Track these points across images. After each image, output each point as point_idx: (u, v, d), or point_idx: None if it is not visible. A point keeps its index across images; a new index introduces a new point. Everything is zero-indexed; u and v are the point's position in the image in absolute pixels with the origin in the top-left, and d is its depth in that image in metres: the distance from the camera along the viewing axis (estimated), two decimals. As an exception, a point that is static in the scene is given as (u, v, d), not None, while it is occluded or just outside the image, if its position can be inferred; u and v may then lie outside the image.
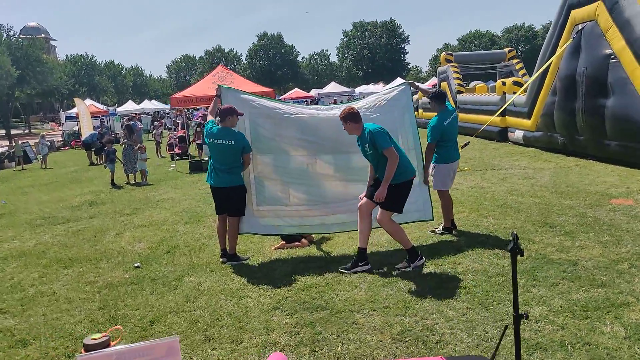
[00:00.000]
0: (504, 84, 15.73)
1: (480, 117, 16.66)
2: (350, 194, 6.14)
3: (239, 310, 4.51)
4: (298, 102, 28.32)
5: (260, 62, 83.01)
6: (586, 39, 10.74)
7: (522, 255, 2.47)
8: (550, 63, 11.80)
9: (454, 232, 6.40)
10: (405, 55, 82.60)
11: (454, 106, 5.26)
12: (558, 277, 4.67)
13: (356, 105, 6.51)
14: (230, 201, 5.88)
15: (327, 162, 6.29)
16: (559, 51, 11.69)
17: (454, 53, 22.52)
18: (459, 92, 19.86)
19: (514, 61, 21.11)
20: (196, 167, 15.28)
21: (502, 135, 15.79)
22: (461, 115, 17.97)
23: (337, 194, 6.26)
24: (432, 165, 6.41)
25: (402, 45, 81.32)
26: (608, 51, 10.08)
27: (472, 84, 21.69)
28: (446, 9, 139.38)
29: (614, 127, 10.02)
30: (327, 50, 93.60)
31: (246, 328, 4.13)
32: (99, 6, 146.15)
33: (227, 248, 5.98)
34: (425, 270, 5.17)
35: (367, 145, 5.17)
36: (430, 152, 6.34)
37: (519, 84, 15.24)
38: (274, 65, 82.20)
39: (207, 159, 15.31)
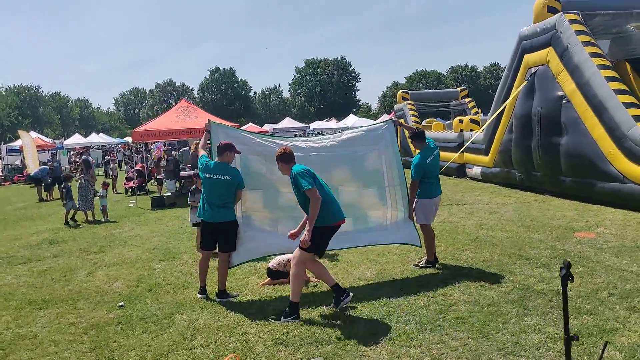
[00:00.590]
0: (461, 121, 16.49)
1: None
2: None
3: (242, 346, 4.46)
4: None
5: (213, 96, 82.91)
6: (539, 81, 11.54)
7: (572, 281, 2.60)
8: (505, 105, 12.53)
9: (436, 266, 6.59)
10: (356, 93, 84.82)
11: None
12: (546, 306, 4.92)
13: (336, 139, 6.70)
14: (223, 236, 5.85)
15: None
16: (515, 92, 12.46)
17: (409, 91, 23.45)
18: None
19: (467, 100, 22.22)
20: (159, 203, 14.92)
21: (460, 171, 16.44)
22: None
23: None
24: (415, 200, 6.64)
25: (353, 83, 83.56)
26: (560, 93, 10.86)
27: (423, 122, 22.53)
28: (395, 49, 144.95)
29: (568, 164, 10.71)
30: (279, 86, 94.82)
31: (254, 365, 4.10)
32: (45, 34, 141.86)
33: (218, 284, 5.91)
34: (419, 302, 5.29)
35: (293, 187, 5.23)
36: (414, 188, 6.58)
37: (475, 122, 16.03)
38: (226, 99, 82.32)
39: (168, 194, 15.08)
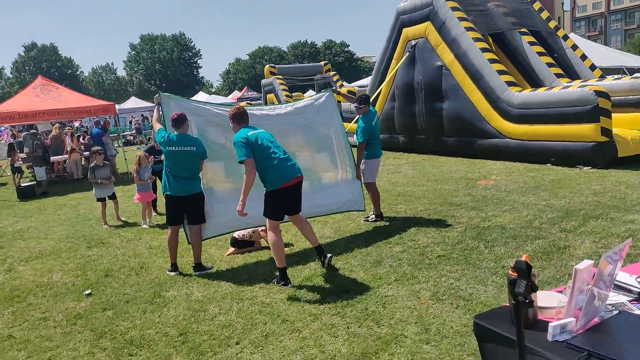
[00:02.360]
0: (338, 93, 17.32)
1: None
2: None
3: (264, 308, 4.53)
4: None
5: (32, 77, 73.37)
6: (420, 52, 12.78)
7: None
8: (395, 72, 13.59)
9: (384, 219, 7.20)
10: (199, 70, 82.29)
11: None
12: (502, 238, 5.81)
13: (289, 107, 6.89)
14: (192, 209, 5.69)
15: None
16: (398, 64, 13.55)
17: (277, 66, 23.75)
18: (288, 102, 21.08)
19: (331, 73, 23.28)
20: (27, 193, 13.21)
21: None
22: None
23: None
24: (362, 161, 7.12)
25: (195, 60, 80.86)
26: (440, 63, 12.19)
27: (293, 94, 23.12)
28: (235, 25, 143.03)
29: (450, 126, 12.16)
30: (113, 63, 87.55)
31: (297, 318, 4.23)
32: None
33: (194, 257, 5.76)
34: (395, 248, 5.82)
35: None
36: (361, 149, 7.05)
37: (352, 93, 17.02)
38: (51, 80, 73.54)
39: (28, 183, 13.44)
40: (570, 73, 11.61)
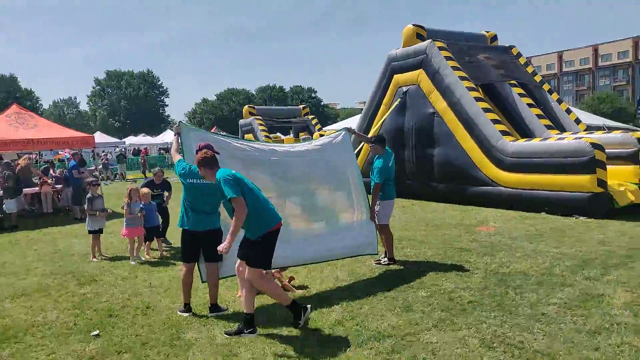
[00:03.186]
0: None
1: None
2: (312, 233, 6.29)
3: (307, 351, 4.21)
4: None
5: (-11, 107, 70.95)
6: (411, 99, 13.00)
7: None
8: (384, 118, 13.73)
9: (396, 262, 7.02)
10: (165, 108, 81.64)
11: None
12: (527, 285, 5.71)
13: (308, 145, 6.78)
14: (210, 245, 5.33)
15: (295, 204, 6.32)
16: (391, 108, 13.68)
17: (256, 107, 23.78)
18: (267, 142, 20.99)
19: (310, 117, 23.46)
20: (-5, 226, 12.36)
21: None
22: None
23: (300, 233, 6.27)
24: (377, 202, 6.98)
25: (162, 98, 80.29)
26: (432, 110, 12.40)
27: (272, 136, 23.10)
28: (202, 65, 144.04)
29: (440, 172, 12.27)
30: (76, 97, 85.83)
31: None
32: None
33: (210, 298, 5.39)
34: (421, 293, 5.61)
35: (220, 193, 4.79)
36: (377, 190, 6.92)
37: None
38: (9, 111, 71.22)
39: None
40: (557, 125, 12.01)
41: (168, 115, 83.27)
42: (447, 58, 12.17)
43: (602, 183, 9.31)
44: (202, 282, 5.53)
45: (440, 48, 12.35)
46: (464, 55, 12.75)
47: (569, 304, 5.00)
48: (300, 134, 22.09)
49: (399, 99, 13.27)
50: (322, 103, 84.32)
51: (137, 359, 4.29)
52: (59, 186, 14.73)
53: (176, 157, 5.48)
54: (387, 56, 13.91)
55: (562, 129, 11.99)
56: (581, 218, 9.40)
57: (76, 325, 5.22)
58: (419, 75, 12.77)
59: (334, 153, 6.73)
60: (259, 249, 4.76)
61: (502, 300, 5.25)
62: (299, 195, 6.37)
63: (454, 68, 12.00)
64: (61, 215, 14.11)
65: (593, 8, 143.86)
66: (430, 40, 12.61)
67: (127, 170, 31.43)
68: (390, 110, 13.49)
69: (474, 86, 11.80)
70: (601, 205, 9.31)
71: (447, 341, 4.30)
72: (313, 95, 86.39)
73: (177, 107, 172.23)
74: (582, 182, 9.36)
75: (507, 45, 14.20)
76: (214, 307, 5.34)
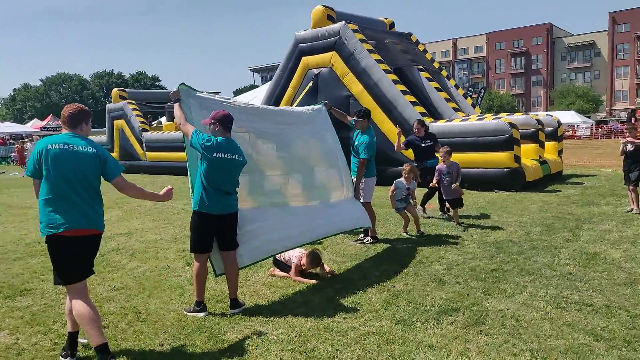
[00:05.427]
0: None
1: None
2: (311, 210, 5.80)
3: (382, 336, 3.82)
4: None
5: None
6: (323, 82, 12.85)
7: None
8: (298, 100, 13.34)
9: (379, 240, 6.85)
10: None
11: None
12: (527, 250, 6.00)
13: (296, 115, 6.23)
14: (229, 231, 4.60)
15: (297, 181, 5.75)
16: (292, 92, 13.37)
17: (127, 90, 21.45)
18: (144, 130, 19.16)
19: (187, 102, 21.89)
20: None
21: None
22: (159, 154, 17.65)
23: (300, 212, 5.72)
24: (362, 179, 6.70)
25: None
26: (347, 93, 12.42)
27: (154, 123, 21.22)
28: (22, 48, 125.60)
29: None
30: None
31: (439, 342, 3.63)
32: None
33: (230, 292, 4.61)
34: (437, 266, 5.51)
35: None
36: (363, 167, 6.64)
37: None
38: None
39: None
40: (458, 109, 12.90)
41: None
42: (362, 40, 12.27)
43: (517, 159, 10.24)
44: (217, 275, 4.72)
45: (354, 31, 12.40)
46: (373, 39, 12.97)
47: (582, 263, 5.34)
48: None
49: (311, 82, 13.04)
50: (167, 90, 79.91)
51: (197, 370, 3.47)
52: None
53: (189, 128, 4.52)
54: (294, 36, 13.54)
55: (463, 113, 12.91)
56: (500, 192, 10.24)
57: (56, 345, 4.05)
58: (332, 57, 12.67)
59: (323, 127, 6.30)
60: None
61: (520, 265, 5.40)
62: (300, 173, 5.81)
63: (370, 51, 12.14)
64: None
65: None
66: (343, 22, 12.57)
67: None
68: (303, 94, 13.18)
69: (389, 69, 12.08)
70: (518, 180, 10.25)
71: (515, 307, 4.25)
72: (157, 83, 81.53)
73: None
74: (502, 159, 10.18)
75: (405, 32, 14.85)
76: (235, 303, 4.59)
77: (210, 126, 4.53)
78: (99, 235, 3.67)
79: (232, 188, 4.54)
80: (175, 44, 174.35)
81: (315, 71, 13.07)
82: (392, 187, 7.25)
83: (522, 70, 75.20)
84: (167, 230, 8.17)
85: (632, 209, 7.78)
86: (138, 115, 19.34)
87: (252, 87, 73.19)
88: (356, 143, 6.77)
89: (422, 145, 8.54)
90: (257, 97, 25.20)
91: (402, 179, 7.27)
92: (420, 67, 12.98)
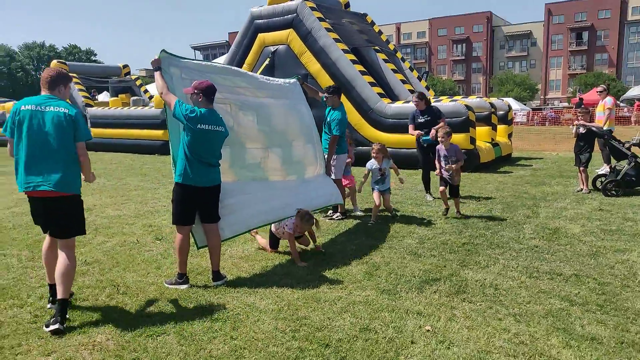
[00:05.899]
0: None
1: (137, 132, 16.34)
2: (289, 185, 5.78)
3: (370, 306, 3.91)
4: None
5: None
6: (280, 59, 12.69)
7: None
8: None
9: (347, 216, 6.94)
10: None
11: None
12: (490, 225, 6.27)
13: (271, 88, 6.08)
14: (212, 204, 4.53)
15: (277, 155, 5.68)
16: (248, 69, 13.13)
17: (67, 62, 20.22)
18: (88, 105, 18.27)
19: (133, 77, 20.99)
20: None
21: (166, 147, 15.82)
22: (104, 131, 16.97)
23: (279, 187, 5.68)
24: (334, 156, 6.73)
25: None
26: (304, 72, 12.33)
27: (100, 98, 20.24)
28: None
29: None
30: None
31: (425, 310, 3.76)
32: None
33: (212, 264, 4.55)
34: (409, 241, 5.66)
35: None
36: (334, 143, 6.65)
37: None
38: None
39: None
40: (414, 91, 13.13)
41: None
42: (320, 19, 12.18)
43: (473, 141, 10.60)
44: (198, 248, 4.63)
45: (312, 9, 12.29)
46: (331, 18, 12.92)
47: (545, 237, 5.66)
48: (121, 95, 19.68)
49: (268, 59, 12.85)
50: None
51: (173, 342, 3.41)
52: None
53: (172, 98, 4.34)
54: (250, 12, 13.25)
55: (418, 95, 13.14)
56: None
57: (37, 318, 3.87)
58: (289, 35, 12.52)
59: (299, 101, 6.24)
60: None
61: (489, 239, 5.64)
62: (279, 147, 5.74)
63: (327, 30, 12.09)
64: None
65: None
66: (300, 0, 12.42)
67: None
68: (260, 71, 12.96)
69: (348, 49, 12.10)
70: (472, 161, 10.62)
71: (491, 277, 4.45)
72: (92, 57, 77.50)
73: None
74: (459, 140, 10.42)
75: (360, 12, 14.88)
76: (218, 275, 4.53)
77: (193, 96, 4.40)
78: (61, 198, 3.72)
79: (215, 160, 4.46)
80: (113, 18, 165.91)
81: (272, 48, 12.89)
82: (365, 171, 7.01)
83: (463, 57, 77.54)
84: (127, 207, 7.90)
85: (582, 189, 8.27)
86: (81, 90, 18.37)
87: (195, 65, 71.01)
88: (328, 119, 6.76)
89: (419, 119, 8.08)
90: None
91: (372, 160, 6.92)
92: (376, 48, 13.08)
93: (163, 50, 4.63)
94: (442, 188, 6.87)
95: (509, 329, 3.46)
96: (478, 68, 77.44)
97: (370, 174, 7.01)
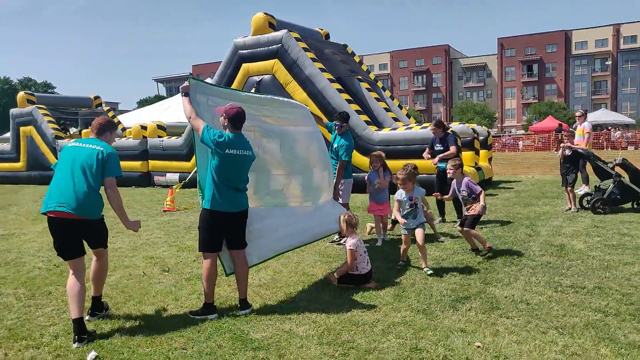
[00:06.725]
0: (144, 128, 15.64)
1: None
2: (305, 211, 5.75)
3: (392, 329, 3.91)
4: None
5: None
6: (265, 89, 12.77)
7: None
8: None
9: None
10: None
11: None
12: (496, 245, 6.39)
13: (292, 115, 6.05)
14: (239, 229, 4.47)
15: (297, 182, 5.65)
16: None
17: (35, 94, 19.67)
18: (58, 137, 17.77)
19: (105, 108, 20.61)
20: None
21: (145, 179, 15.54)
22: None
23: (297, 213, 5.64)
24: (342, 180, 6.77)
25: None
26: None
27: (73, 131, 19.68)
28: None
29: (301, 161, 12.42)
30: None
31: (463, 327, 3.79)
32: None
33: (239, 292, 4.46)
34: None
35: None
36: (343, 169, 6.72)
37: (162, 128, 15.60)
38: None
39: None
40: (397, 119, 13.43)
41: None
42: (305, 49, 12.40)
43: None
44: (227, 275, 4.53)
45: (297, 39, 12.50)
46: (314, 48, 13.16)
47: (555, 254, 5.81)
48: (92, 128, 19.22)
49: (254, 89, 12.90)
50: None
51: (242, 369, 3.31)
52: None
53: (200, 123, 4.31)
54: (234, 43, 13.35)
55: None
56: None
57: (48, 334, 3.68)
58: (274, 65, 12.67)
59: (316, 127, 6.23)
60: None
61: (502, 258, 5.74)
62: (301, 174, 5.69)
63: (313, 60, 12.30)
64: None
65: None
66: (286, 30, 12.63)
67: None
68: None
69: (333, 78, 12.31)
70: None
71: (519, 293, 4.53)
72: (50, 91, 75.65)
73: None
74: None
75: (341, 43, 15.22)
76: (245, 304, 4.44)
77: (221, 119, 4.40)
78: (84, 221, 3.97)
79: (243, 185, 4.44)
80: (70, 51, 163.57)
81: (257, 78, 12.99)
82: (395, 205, 5.85)
83: (424, 88, 79.97)
84: (121, 239, 7.65)
85: (570, 208, 8.57)
86: (51, 122, 17.88)
87: (158, 97, 70.57)
88: (335, 145, 6.84)
89: (437, 147, 8.08)
90: (171, 107, 24.40)
91: (400, 190, 5.80)
92: (359, 77, 13.37)
93: (191, 77, 4.67)
94: (459, 228, 6.22)
95: (556, 341, 3.52)
96: (438, 98, 79.94)
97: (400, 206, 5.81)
